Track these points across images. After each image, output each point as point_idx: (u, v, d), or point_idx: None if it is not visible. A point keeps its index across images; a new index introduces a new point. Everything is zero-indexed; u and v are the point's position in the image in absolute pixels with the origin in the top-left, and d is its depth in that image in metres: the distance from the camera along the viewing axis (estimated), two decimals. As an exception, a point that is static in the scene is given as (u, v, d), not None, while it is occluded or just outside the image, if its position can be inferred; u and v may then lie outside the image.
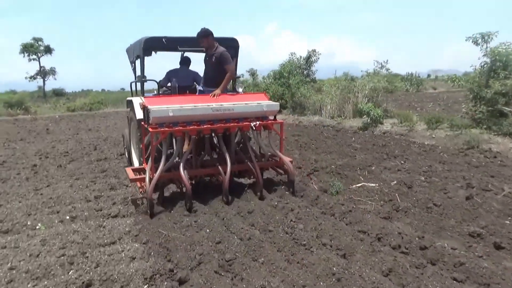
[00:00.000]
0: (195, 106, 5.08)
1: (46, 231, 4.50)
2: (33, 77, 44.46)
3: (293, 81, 15.19)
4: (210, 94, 5.50)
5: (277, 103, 5.83)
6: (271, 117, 5.60)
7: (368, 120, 10.99)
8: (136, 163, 6.55)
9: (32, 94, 53.19)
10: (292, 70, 16.00)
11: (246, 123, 5.28)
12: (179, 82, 6.36)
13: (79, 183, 6.70)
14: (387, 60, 15.19)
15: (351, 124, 11.90)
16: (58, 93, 58.49)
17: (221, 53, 5.71)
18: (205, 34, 5.66)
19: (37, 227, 4.65)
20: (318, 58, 16.42)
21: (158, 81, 6.52)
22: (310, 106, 14.43)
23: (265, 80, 17.02)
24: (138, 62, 6.35)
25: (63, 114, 26.08)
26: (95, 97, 31.24)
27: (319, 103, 13.92)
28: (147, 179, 4.81)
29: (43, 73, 44.68)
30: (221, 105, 5.18)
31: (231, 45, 6.36)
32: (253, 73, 17.13)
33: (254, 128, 5.30)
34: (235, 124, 5.26)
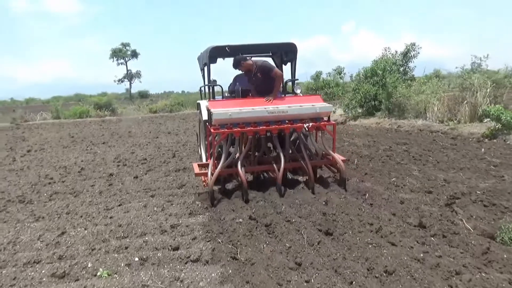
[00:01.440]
0: (252, 109, 5.39)
1: (108, 281, 3.31)
2: (120, 80, 46.82)
3: (390, 79, 13.11)
4: (265, 99, 5.71)
5: (331, 105, 5.94)
6: (326, 118, 5.75)
7: (498, 126, 8.68)
8: (204, 159, 6.77)
9: (120, 96, 56.49)
10: (387, 67, 13.90)
11: (300, 124, 5.49)
12: (243, 86, 6.61)
13: (154, 202, 5.57)
14: (487, 55, 12.72)
15: (469, 130, 9.61)
16: (143, 95, 61.33)
17: (261, 65, 5.98)
18: (238, 63, 5.91)
19: (98, 273, 3.49)
20: (418, 53, 14.14)
21: (222, 86, 6.88)
22: (410, 108, 12.26)
23: (354, 79, 15.09)
24: (206, 68, 6.72)
25: (146, 115, 26.41)
26: (176, 98, 31.51)
27: (424, 104, 11.70)
28: (209, 174, 5.27)
29: (130, 76, 46.74)
30: (276, 107, 5.44)
31: (289, 49, 6.71)
32: (339, 72, 15.24)
33: (307, 129, 5.48)
34: (289, 125, 5.51)
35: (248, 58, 5.98)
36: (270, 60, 6.95)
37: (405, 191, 5.44)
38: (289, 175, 6.23)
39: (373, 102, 14.00)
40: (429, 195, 5.19)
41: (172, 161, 8.78)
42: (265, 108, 5.40)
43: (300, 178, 6.15)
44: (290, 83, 7.10)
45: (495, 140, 8.58)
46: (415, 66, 14.75)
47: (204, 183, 5.65)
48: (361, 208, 4.74)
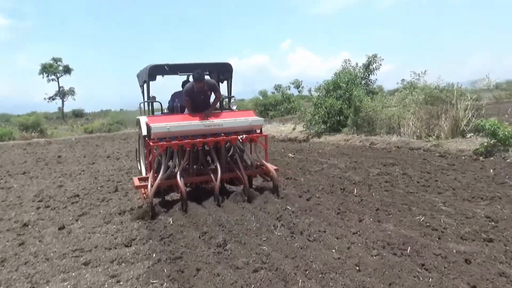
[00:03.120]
0: (190, 123, 5.69)
1: None
2: (51, 98, 42.26)
3: (356, 92, 11.92)
4: (204, 113, 5.93)
5: (262, 119, 6.31)
6: (258, 131, 6.07)
7: (491, 142, 7.62)
8: (143, 174, 6.70)
9: (52, 115, 51.21)
10: (351, 80, 12.75)
11: (234, 136, 5.80)
12: (181, 103, 6.74)
13: (89, 278, 3.48)
14: (425, 71, 12.37)
15: (456, 146, 8.52)
16: (78, 114, 56.19)
17: (214, 84, 6.28)
18: (201, 76, 5.89)
19: None
20: (380, 65, 13.19)
21: (161, 103, 7.19)
22: (381, 123, 11.10)
23: (316, 93, 13.77)
24: (145, 86, 6.81)
25: (80, 136, 23.28)
26: (114, 117, 28.42)
27: (396, 119, 10.58)
28: (149, 186, 5.32)
29: (62, 93, 42.38)
30: (212, 121, 5.77)
31: (226, 69, 6.97)
32: (297, 85, 13.87)
33: (241, 140, 5.82)
34: (224, 137, 5.80)
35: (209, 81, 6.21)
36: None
37: (452, 238, 3.88)
38: (227, 186, 6.43)
39: (338, 117, 12.74)
40: (492, 245, 3.66)
41: (115, 198, 6.60)
42: (201, 122, 5.70)
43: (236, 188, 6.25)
44: (226, 100, 7.41)
45: (492, 158, 7.49)
46: (376, 79, 13.81)
47: (144, 195, 5.76)
48: (417, 276, 3.08)
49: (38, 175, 9.57)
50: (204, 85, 6.02)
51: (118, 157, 12.33)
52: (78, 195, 6.94)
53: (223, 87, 7.31)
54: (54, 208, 6.23)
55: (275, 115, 26.96)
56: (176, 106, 6.91)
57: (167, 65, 6.48)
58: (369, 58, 13.38)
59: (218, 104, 6.79)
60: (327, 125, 13.15)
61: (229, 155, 6.26)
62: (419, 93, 13.49)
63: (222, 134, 5.81)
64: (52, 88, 42.81)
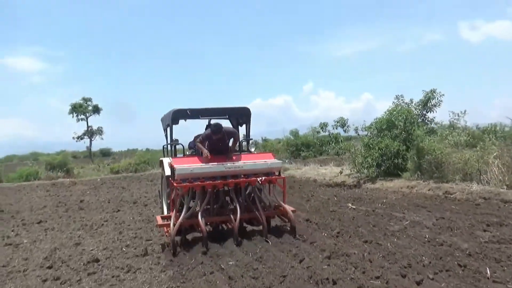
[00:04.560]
0: (211, 164, 5.91)
1: None
2: (80, 137, 41.96)
3: (420, 131, 10.20)
4: (225, 156, 6.19)
5: (280, 161, 6.64)
6: (277, 173, 6.23)
7: None
8: (165, 212, 6.75)
9: (80, 154, 51.05)
10: (409, 118, 11.07)
11: (253, 178, 5.93)
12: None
13: None
14: (464, 111, 10.84)
15: None
16: (105, 153, 56.06)
17: (233, 132, 6.47)
18: (219, 130, 6.06)
19: None
20: (441, 101, 11.46)
21: (183, 145, 7.21)
22: (453, 168, 9.24)
23: (365, 132, 12.11)
24: (168, 129, 7.00)
25: (106, 176, 22.10)
26: (141, 157, 27.25)
27: (476, 164, 8.71)
28: (171, 225, 5.46)
29: (90, 132, 42.15)
30: (232, 163, 5.99)
31: (244, 113, 7.15)
32: (343, 124, 12.25)
33: (260, 182, 5.94)
34: (244, 179, 5.94)
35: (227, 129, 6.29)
36: (228, 122, 7.44)
37: None
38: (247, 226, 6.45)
39: (395, 160, 10.95)
40: None
41: (144, 267, 4.97)
42: (223, 164, 5.90)
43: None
44: (245, 143, 7.66)
45: None
46: (434, 118, 12.04)
47: (166, 234, 5.87)
48: None
49: (55, 226, 8.09)
50: (223, 135, 6.19)
51: (145, 202, 10.81)
52: (97, 260, 5.34)
53: (242, 129, 7.44)
54: (65, 281, 4.63)
55: (308, 156, 25.29)
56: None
57: (189, 109, 6.68)
58: (427, 94, 11.71)
59: (237, 146, 6.88)
60: (381, 168, 11.35)
61: (247, 195, 6.26)
62: (460, 134, 11.75)
63: (242, 176, 5.98)
64: (81, 127, 42.57)
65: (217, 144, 6.23)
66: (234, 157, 6.17)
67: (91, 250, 5.99)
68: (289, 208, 6.06)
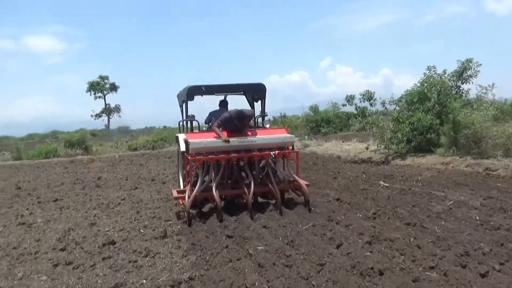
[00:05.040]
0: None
1: None
2: (98, 115, 42.00)
3: (457, 103, 9.35)
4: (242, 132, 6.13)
5: (293, 135, 6.56)
6: (290, 147, 6.22)
7: None
8: (182, 186, 6.86)
9: (99, 132, 51.28)
10: (444, 90, 10.17)
11: (267, 152, 5.92)
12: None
13: None
14: (492, 84, 9.66)
15: None
16: (123, 131, 56.24)
17: (252, 115, 6.50)
18: (244, 119, 6.07)
19: None
20: (478, 72, 10.46)
21: (198, 121, 7.35)
22: (494, 143, 8.42)
23: (394, 106, 11.26)
24: (184, 105, 7.02)
25: (124, 153, 21.91)
26: (158, 134, 26.94)
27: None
28: (186, 197, 5.57)
29: (108, 110, 42.10)
30: (246, 138, 5.98)
31: (260, 89, 7.11)
32: (369, 97, 11.41)
33: (273, 156, 5.93)
34: (257, 152, 5.93)
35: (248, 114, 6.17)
36: (243, 98, 7.62)
37: None
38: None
39: (427, 135, 10.15)
40: None
41: (163, 251, 4.50)
42: (236, 138, 5.89)
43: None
44: (260, 119, 7.44)
45: None
46: (469, 89, 11.06)
47: (182, 206, 5.95)
48: None
49: (70, 205, 7.72)
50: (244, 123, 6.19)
51: (164, 180, 10.38)
52: (113, 242, 4.90)
53: (257, 106, 7.53)
54: (77, 266, 4.20)
55: (328, 132, 24.49)
56: (213, 123, 6.67)
57: (204, 86, 6.65)
58: (463, 64, 10.72)
59: (252, 122, 6.99)
60: (412, 144, 10.58)
61: (261, 168, 6.27)
62: (487, 108, 10.70)
63: (256, 150, 6.00)
64: (99, 105, 42.53)
65: (236, 126, 6.16)
66: (249, 133, 6.17)
67: (107, 231, 5.55)
68: (303, 181, 6.03)
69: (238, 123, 5.99)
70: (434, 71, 11.40)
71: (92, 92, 40.74)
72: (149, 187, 9.37)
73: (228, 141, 5.84)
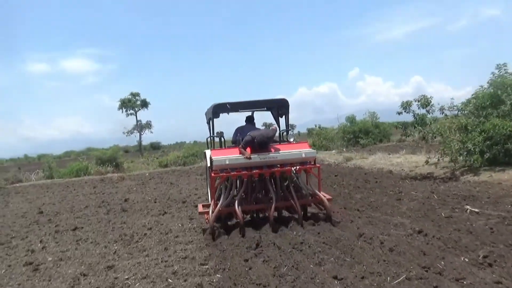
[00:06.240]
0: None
1: None
2: (130, 132, 41.82)
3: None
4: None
5: (314, 151, 6.45)
6: (312, 162, 6.20)
7: None
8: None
9: (132, 149, 51.28)
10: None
11: (288, 167, 5.96)
12: (243, 136, 6.46)
13: None
14: None
15: None
16: (155, 147, 56.06)
17: (273, 135, 6.37)
18: (268, 145, 6.17)
19: None
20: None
21: (224, 137, 7.42)
22: None
23: (462, 111, 9.54)
24: (211, 122, 7.04)
25: (155, 170, 20.97)
26: (189, 149, 25.92)
27: None
28: (210, 212, 5.75)
29: (140, 127, 41.89)
30: (267, 154, 6.01)
31: (283, 104, 7.06)
32: (426, 103, 9.75)
33: (294, 171, 5.95)
34: (279, 168, 5.99)
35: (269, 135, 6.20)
36: (269, 114, 7.75)
37: None
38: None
39: (508, 145, 8.36)
40: None
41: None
42: (257, 155, 5.93)
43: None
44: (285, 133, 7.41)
45: None
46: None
47: (206, 221, 6.09)
48: None
49: (89, 236, 6.54)
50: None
51: (195, 202, 9.07)
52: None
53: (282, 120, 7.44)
54: None
55: (367, 143, 22.67)
56: (238, 139, 6.64)
57: (229, 103, 6.71)
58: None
59: (277, 137, 7.07)
60: (484, 156, 8.80)
61: (285, 184, 6.28)
62: None
63: (278, 166, 6.02)
64: (131, 122, 42.40)
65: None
66: (272, 149, 6.16)
67: (126, 279, 4.25)
68: (324, 196, 6.05)
69: (258, 148, 6.04)
70: (505, 69, 9.62)
71: (124, 109, 40.65)
72: (179, 212, 8.08)
73: (250, 158, 5.86)
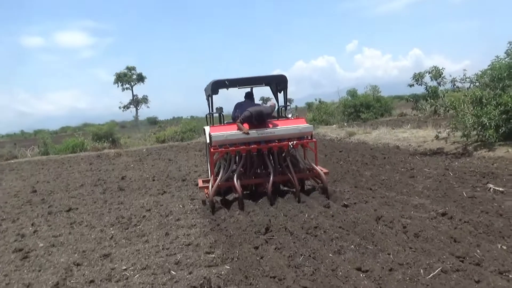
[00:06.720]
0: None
1: None
2: (126, 107, 40.98)
3: None
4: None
5: (311, 125, 6.55)
6: (308, 137, 6.28)
7: None
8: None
9: (128, 124, 50.48)
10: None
11: (285, 142, 6.05)
12: (242, 112, 6.45)
13: None
14: None
15: None
16: (152, 121, 55.20)
17: (272, 111, 6.43)
18: (265, 120, 6.19)
19: None
20: None
21: (223, 114, 7.34)
22: None
23: (471, 84, 9.01)
24: (210, 99, 7.08)
25: (152, 146, 20.45)
26: (187, 124, 25.30)
27: None
28: (210, 187, 5.85)
29: (136, 101, 41.03)
30: (265, 129, 6.07)
31: (281, 80, 7.19)
32: (437, 75, 9.19)
33: (292, 146, 6.10)
34: (276, 143, 6.07)
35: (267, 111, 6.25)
36: (267, 89, 7.87)
37: None
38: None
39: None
40: None
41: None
42: (255, 130, 5.99)
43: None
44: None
45: None
46: None
47: (206, 195, 6.04)
48: None
49: (84, 218, 6.09)
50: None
51: (195, 180, 8.60)
52: (142, 283, 3.15)
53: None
54: None
55: (369, 117, 22.15)
56: (238, 115, 6.55)
57: (228, 80, 6.75)
58: None
59: (276, 112, 7.08)
60: (499, 131, 8.32)
61: (282, 159, 6.31)
62: None
63: (276, 141, 6.09)
64: (127, 97, 41.50)
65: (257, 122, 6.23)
66: (269, 124, 6.20)
67: (123, 270, 3.82)
68: (321, 169, 6.13)
69: (256, 123, 6.08)
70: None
71: (120, 84, 39.62)
72: (179, 191, 7.63)
73: (248, 133, 5.91)
